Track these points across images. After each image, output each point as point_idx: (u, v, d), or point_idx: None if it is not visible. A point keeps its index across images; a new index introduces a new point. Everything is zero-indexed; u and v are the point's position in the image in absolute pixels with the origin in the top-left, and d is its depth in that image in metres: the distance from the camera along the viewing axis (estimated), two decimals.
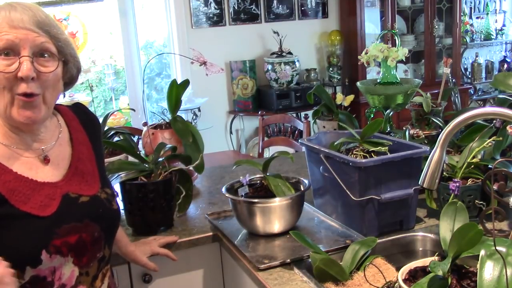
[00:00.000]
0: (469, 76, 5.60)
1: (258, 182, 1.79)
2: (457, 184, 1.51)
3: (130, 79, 4.62)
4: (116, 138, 2.14)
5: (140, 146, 2.35)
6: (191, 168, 1.91)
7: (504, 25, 5.70)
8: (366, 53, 2.19)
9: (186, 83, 2.05)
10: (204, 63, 2.00)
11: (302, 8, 4.94)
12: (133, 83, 4.61)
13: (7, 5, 1.18)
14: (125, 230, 1.76)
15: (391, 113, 2.09)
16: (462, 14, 5.20)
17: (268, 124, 3.92)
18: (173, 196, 1.78)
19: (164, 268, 1.74)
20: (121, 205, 1.52)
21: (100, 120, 2.07)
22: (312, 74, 4.89)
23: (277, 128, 4.14)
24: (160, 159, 1.78)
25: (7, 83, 1.14)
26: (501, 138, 1.64)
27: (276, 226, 1.65)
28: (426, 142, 1.90)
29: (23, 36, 1.14)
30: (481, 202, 1.63)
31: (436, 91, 2.22)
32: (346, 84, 4.92)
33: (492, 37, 5.62)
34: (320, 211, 1.81)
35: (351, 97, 2.36)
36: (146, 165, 1.77)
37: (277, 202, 1.63)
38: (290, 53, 4.63)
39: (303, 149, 1.88)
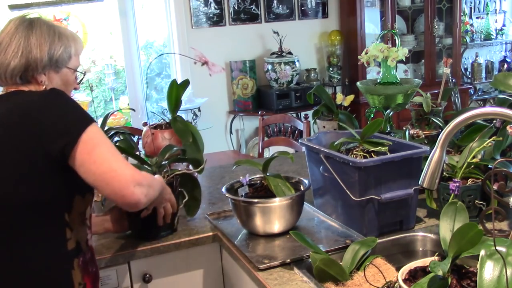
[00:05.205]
0: (469, 76, 5.59)
1: (258, 182, 1.79)
2: (457, 184, 1.51)
3: (130, 79, 4.62)
4: (116, 138, 2.14)
5: (140, 146, 2.35)
6: (190, 167, 1.90)
7: (504, 25, 5.70)
8: (366, 53, 2.19)
9: (186, 83, 2.05)
10: (206, 63, 1.99)
11: (302, 8, 4.94)
12: (133, 83, 4.61)
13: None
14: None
15: (391, 113, 2.09)
16: (462, 14, 5.20)
17: (268, 124, 3.92)
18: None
19: (164, 268, 1.74)
20: None
21: (100, 120, 2.09)
22: (312, 74, 4.89)
23: (277, 128, 4.14)
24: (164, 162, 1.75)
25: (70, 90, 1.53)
26: (501, 138, 1.64)
27: (276, 226, 1.65)
28: (426, 142, 1.90)
29: None
30: (481, 202, 1.63)
31: (436, 91, 2.22)
32: (346, 84, 4.92)
33: (492, 37, 5.62)
34: (320, 211, 1.81)
35: (351, 97, 2.36)
36: (148, 167, 1.73)
37: (277, 202, 1.63)
38: (290, 53, 4.63)
39: (303, 149, 1.88)
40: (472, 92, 5.49)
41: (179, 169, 1.81)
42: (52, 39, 1.42)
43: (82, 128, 1.31)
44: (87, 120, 1.34)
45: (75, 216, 1.38)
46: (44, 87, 1.41)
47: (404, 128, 1.97)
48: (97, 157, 1.30)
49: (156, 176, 1.59)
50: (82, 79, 1.54)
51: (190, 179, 1.80)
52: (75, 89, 1.54)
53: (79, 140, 1.29)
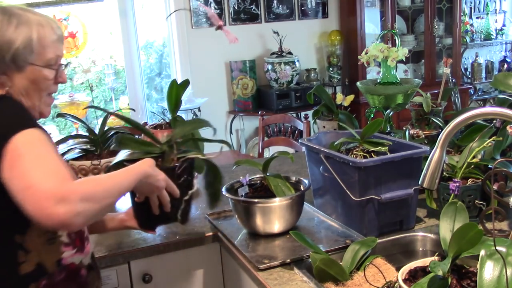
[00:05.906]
0: (469, 76, 5.59)
1: (258, 182, 1.79)
2: (457, 184, 1.51)
3: (130, 79, 4.62)
4: None
5: None
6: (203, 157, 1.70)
7: (504, 25, 5.70)
8: (366, 53, 2.19)
9: (186, 83, 2.05)
10: (220, 27, 1.95)
11: (302, 8, 4.93)
12: (133, 83, 4.61)
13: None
14: None
15: (391, 113, 2.09)
16: (462, 14, 5.20)
17: (268, 124, 3.92)
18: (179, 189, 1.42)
19: (164, 268, 1.74)
20: None
21: (100, 120, 2.08)
22: (312, 74, 4.89)
23: (277, 128, 4.14)
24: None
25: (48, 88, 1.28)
26: (501, 138, 1.64)
27: (276, 226, 1.65)
28: (426, 142, 1.90)
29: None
30: (481, 202, 1.63)
31: (436, 91, 2.22)
32: (346, 84, 4.92)
33: (492, 37, 5.62)
34: (320, 211, 1.81)
35: (351, 97, 2.36)
36: (157, 145, 1.50)
37: (277, 202, 1.63)
38: (290, 53, 4.63)
39: (303, 149, 1.88)
40: (472, 92, 5.49)
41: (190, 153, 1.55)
42: (3, 31, 1.18)
43: (5, 139, 1.08)
44: (14, 128, 1.10)
45: (34, 237, 1.20)
46: (7, 89, 1.20)
47: (404, 128, 1.97)
48: (17, 172, 1.06)
49: (145, 159, 1.31)
50: (64, 66, 1.30)
51: (209, 166, 1.56)
52: (60, 82, 1.30)
53: (2, 153, 1.07)
